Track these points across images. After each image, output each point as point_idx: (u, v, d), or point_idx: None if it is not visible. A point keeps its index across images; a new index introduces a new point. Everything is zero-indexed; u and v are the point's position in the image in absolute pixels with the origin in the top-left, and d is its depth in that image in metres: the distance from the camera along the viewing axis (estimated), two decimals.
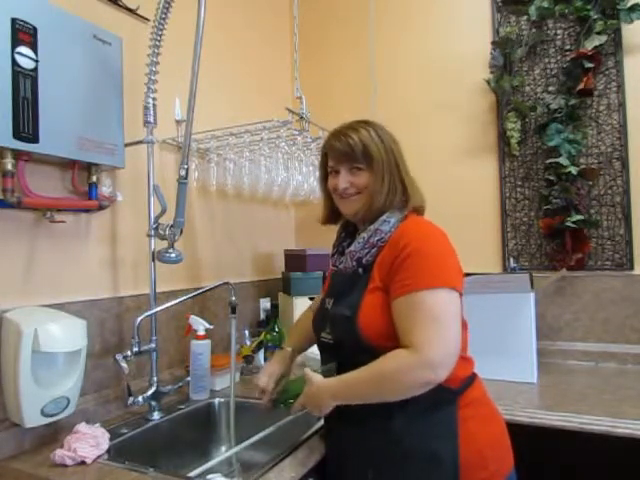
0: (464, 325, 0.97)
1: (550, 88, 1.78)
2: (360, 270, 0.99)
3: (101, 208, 1.26)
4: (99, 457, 1.01)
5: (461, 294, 0.93)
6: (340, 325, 0.98)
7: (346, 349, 0.97)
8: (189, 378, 1.41)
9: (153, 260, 1.31)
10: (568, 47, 1.75)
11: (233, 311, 1.35)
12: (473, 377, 0.99)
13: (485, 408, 0.99)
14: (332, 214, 1.13)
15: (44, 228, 1.17)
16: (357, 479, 0.97)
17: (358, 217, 1.04)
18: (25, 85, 1.02)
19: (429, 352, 0.85)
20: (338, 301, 1.02)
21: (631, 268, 1.66)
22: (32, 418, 1.02)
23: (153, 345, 1.28)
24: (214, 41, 1.75)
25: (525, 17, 1.81)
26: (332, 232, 1.16)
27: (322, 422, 1.14)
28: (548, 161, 1.73)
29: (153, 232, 1.29)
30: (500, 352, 1.48)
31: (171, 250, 1.24)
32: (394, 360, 0.87)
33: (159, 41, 1.28)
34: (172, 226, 1.23)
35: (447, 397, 0.91)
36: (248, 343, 1.68)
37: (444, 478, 0.89)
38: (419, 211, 1.05)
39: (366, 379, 0.90)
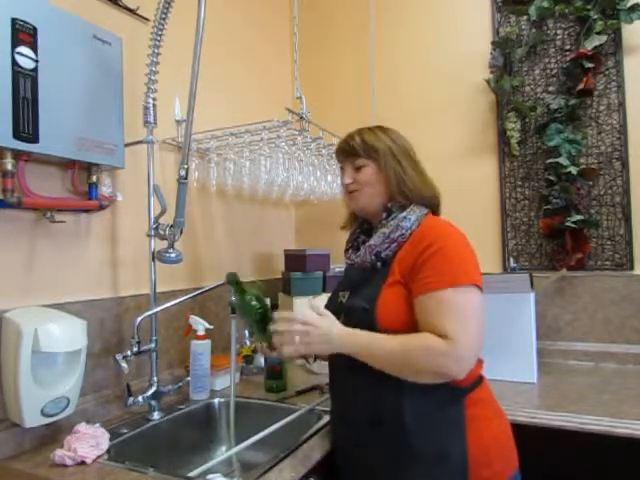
0: None
1: (550, 88, 1.78)
2: (379, 264, 1.00)
3: (101, 208, 1.25)
4: (99, 457, 1.01)
5: (482, 290, 0.94)
6: (356, 317, 0.98)
7: None
8: (189, 378, 1.41)
9: (153, 260, 1.31)
10: (568, 47, 1.75)
11: (233, 311, 1.35)
12: (481, 378, 1.00)
13: (491, 408, 0.99)
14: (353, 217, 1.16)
15: (44, 228, 1.17)
16: (364, 474, 0.97)
17: (366, 212, 1.07)
18: (25, 85, 1.02)
19: (463, 346, 0.86)
20: (354, 294, 1.03)
21: (631, 268, 1.66)
22: (32, 418, 1.01)
23: (153, 345, 1.28)
24: (214, 41, 1.75)
25: (525, 17, 1.81)
26: (332, 233, 1.16)
27: (322, 422, 1.15)
28: (548, 161, 1.73)
29: (153, 232, 1.29)
30: (500, 352, 1.48)
31: (171, 250, 1.24)
32: (427, 339, 0.87)
33: (159, 41, 1.28)
34: (172, 226, 1.23)
35: (455, 395, 0.92)
36: (248, 343, 1.67)
37: (452, 476, 0.90)
38: (435, 211, 1.08)
39: (390, 346, 0.89)
